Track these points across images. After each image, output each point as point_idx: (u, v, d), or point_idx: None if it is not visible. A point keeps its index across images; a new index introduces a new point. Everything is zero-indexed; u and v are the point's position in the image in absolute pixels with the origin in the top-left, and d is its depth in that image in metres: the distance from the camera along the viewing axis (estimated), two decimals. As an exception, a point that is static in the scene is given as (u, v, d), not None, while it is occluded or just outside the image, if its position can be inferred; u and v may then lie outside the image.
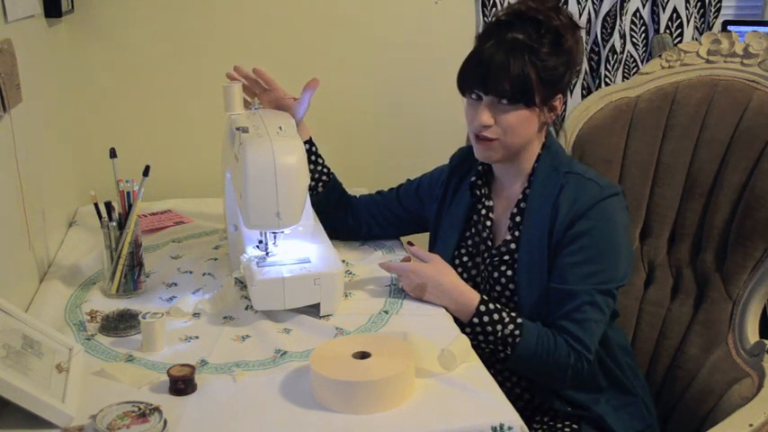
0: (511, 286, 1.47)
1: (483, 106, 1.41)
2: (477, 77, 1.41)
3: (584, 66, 2.30)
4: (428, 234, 1.67)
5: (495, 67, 1.37)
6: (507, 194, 1.52)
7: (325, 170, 1.70)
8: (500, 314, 1.39)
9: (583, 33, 1.47)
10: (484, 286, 1.52)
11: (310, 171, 1.66)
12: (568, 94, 2.01)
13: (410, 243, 1.54)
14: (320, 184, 1.69)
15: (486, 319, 1.38)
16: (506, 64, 1.36)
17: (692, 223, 1.67)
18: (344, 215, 1.72)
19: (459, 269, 1.54)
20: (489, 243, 1.52)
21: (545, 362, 1.37)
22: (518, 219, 1.48)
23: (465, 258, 1.55)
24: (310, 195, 1.68)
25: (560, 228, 1.40)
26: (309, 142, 1.69)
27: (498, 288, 1.49)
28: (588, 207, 1.40)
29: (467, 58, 1.45)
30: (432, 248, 1.62)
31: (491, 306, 1.40)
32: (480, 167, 1.55)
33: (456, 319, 1.40)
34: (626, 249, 1.44)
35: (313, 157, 1.69)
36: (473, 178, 1.55)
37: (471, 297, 1.41)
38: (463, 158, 1.60)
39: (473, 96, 1.43)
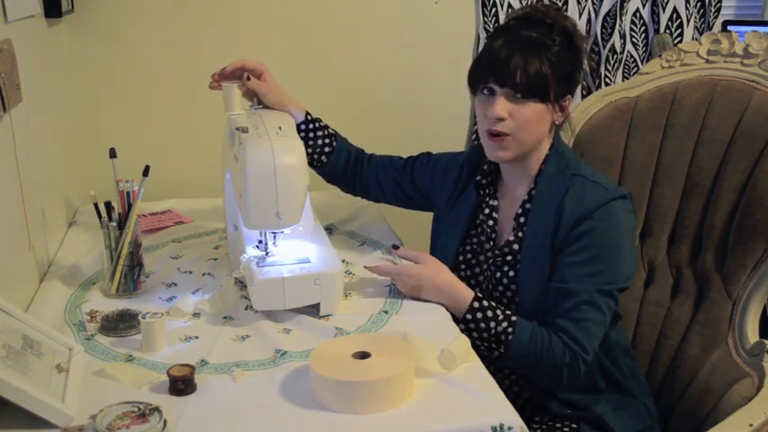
0: (512, 287, 1.47)
1: (498, 98, 1.40)
2: (492, 72, 1.40)
3: (585, 66, 2.30)
4: (427, 224, 1.66)
5: (514, 61, 1.37)
6: (513, 195, 1.52)
7: (327, 141, 1.67)
8: (494, 311, 1.39)
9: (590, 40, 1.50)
10: (486, 286, 1.52)
11: (310, 146, 1.65)
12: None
13: (395, 246, 1.54)
14: (323, 156, 1.67)
15: (479, 315, 1.38)
16: (524, 58, 1.37)
17: (691, 223, 1.67)
18: (353, 182, 1.72)
19: (463, 266, 1.55)
20: (492, 243, 1.52)
21: (539, 360, 1.36)
22: (522, 220, 1.47)
23: (469, 256, 1.55)
24: (316, 168, 1.68)
25: (564, 229, 1.40)
26: (306, 121, 1.65)
27: (500, 288, 1.49)
28: (593, 209, 1.39)
29: (479, 55, 1.46)
30: (434, 241, 1.62)
31: (485, 303, 1.40)
32: (486, 167, 1.55)
33: (453, 318, 1.40)
34: (629, 251, 1.44)
35: (312, 134, 1.66)
36: (478, 177, 1.55)
37: (465, 294, 1.41)
38: (476, 151, 1.58)
39: (485, 92, 1.43)
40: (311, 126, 1.66)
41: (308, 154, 1.62)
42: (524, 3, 2.23)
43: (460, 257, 1.55)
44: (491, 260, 1.51)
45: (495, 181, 1.56)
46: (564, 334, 1.36)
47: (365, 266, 1.51)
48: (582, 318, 1.37)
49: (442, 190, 1.62)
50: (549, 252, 1.42)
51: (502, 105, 1.39)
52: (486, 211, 1.53)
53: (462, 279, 1.48)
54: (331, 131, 1.69)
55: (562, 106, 1.44)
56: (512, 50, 1.38)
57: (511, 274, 1.47)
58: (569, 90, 1.44)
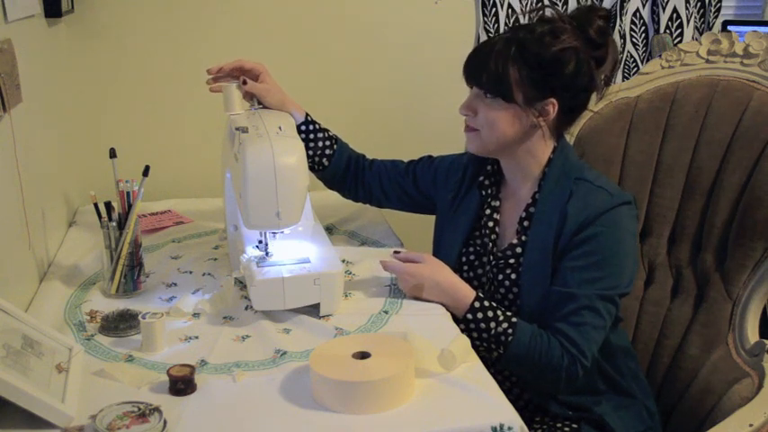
0: (514, 290, 1.47)
1: (470, 95, 1.45)
2: (464, 69, 1.45)
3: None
4: (428, 224, 1.66)
5: (478, 58, 1.41)
6: (516, 197, 1.52)
7: (327, 143, 1.67)
8: (494, 312, 1.39)
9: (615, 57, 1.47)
10: (488, 287, 1.52)
11: (311, 149, 1.65)
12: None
13: (396, 251, 1.53)
14: (324, 158, 1.67)
15: (479, 315, 1.38)
16: (488, 56, 1.39)
17: (692, 223, 1.67)
18: (354, 187, 1.72)
19: (465, 267, 1.54)
20: (494, 245, 1.51)
21: (537, 363, 1.36)
22: (526, 223, 1.47)
23: (472, 257, 1.55)
24: (317, 172, 1.68)
25: (567, 234, 1.40)
26: (306, 122, 1.65)
27: (502, 290, 1.49)
28: (597, 215, 1.39)
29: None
30: (438, 242, 1.62)
31: (486, 303, 1.40)
32: (489, 167, 1.55)
33: (453, 318, 1.40)
34: (632, 257, 1.44)
35: (312, 135, 1.66)
36: (481, 177, 1.55)
37: (467, 294, 1.41)
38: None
39: (471, 88, 1.47)
40: (311, 128, 1.66)
41: (308, 156, 1.62)
42: (523, 3, 2.23)
43: (463, 259, 1.55)
44: (493, 262, 1.50)
45: (499, 182, 1.56)
46: (563, 338, 1.36)
47: (380, 261, 1.50)
48: (582, 322, 1.37)
49: (445, 191, 1.62)
50: (552, 256, 1.42)
51: (469, 101, 1.44)
52: (488, 211, 1.53)
53: (465, 280, 1.48)
54: (331, 134, 1.69)
55: (543, 110, 1.42)
56: (484, 48, 1.42)
57: (513, 276, 1.47)
58: (549, 94, 1.40)
